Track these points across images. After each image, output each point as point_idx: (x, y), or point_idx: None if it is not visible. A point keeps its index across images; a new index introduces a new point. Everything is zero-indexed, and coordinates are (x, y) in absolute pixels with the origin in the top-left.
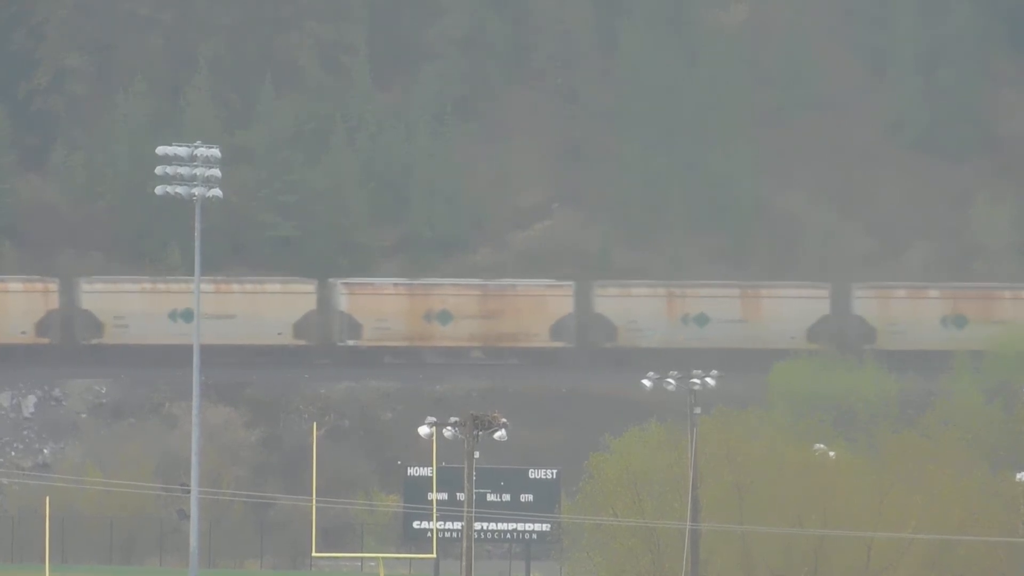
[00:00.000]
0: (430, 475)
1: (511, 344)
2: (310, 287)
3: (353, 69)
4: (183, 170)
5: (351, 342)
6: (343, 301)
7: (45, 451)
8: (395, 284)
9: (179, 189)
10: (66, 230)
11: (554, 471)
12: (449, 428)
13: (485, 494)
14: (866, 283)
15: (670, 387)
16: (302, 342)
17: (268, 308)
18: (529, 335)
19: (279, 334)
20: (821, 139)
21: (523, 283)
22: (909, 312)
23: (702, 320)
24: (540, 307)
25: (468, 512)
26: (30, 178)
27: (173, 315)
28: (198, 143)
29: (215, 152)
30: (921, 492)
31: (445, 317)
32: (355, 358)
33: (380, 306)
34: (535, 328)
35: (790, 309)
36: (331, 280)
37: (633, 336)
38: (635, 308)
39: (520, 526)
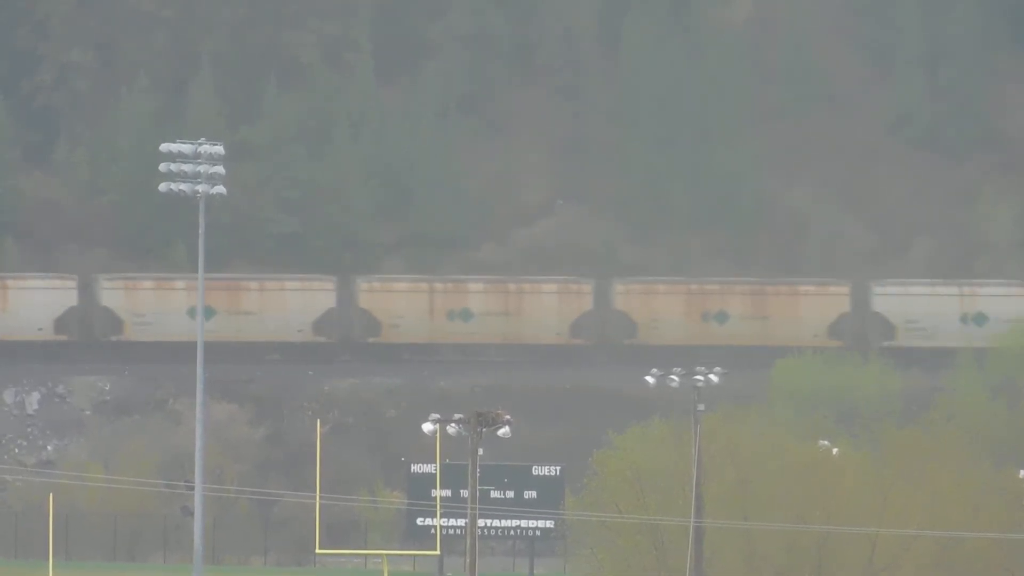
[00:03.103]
0: (434, 472)
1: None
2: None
3: (357, 66)
4: (186, 167)
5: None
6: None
7: (49, 448)
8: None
9: (183, 186)
10: (70, 227)
11: (558, 468)
12: (453, 425)
13: (489, 491)
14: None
15: (674, 384)
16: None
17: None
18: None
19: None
20: (825, 136)
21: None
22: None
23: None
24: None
25: (472, 509)
26: (34, 174)
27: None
28: (202, 140)
29: (219, 149)
30: (925, 489)
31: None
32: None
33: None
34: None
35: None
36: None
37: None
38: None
39: (524, 523)
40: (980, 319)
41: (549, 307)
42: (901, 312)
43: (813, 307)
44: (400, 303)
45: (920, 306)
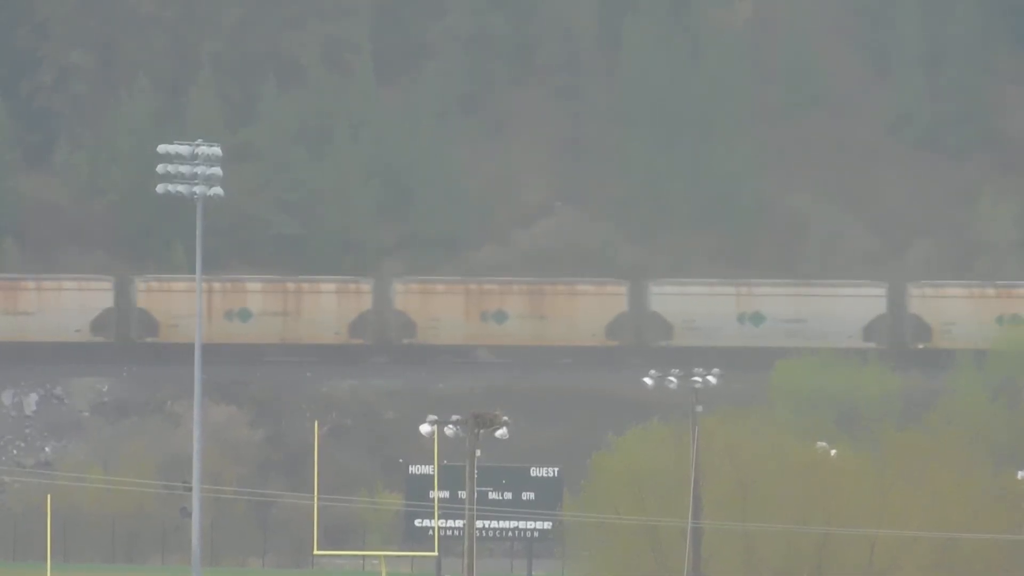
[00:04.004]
0: (432, 473)
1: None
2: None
3: (356, 67)
4: (184, 168)
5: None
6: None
7: (47, 449)
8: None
9: (180, 187)
10: (69, 228)
11: (556, 469)
12: (451, 426)
13: (487, 492)
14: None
15: (672, 385)
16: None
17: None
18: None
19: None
20: (825, 137)
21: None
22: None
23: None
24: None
25: (470, 510)
26: (33, 176)
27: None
28: (199, 141)
29: (216, 150)
30: (924, 490)
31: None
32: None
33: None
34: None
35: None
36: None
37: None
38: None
39: (522, 524)
40: (757, 319)
41: (328, 307)
42: (679, 312)
43: (590, 307)
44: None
45: (697, 306)
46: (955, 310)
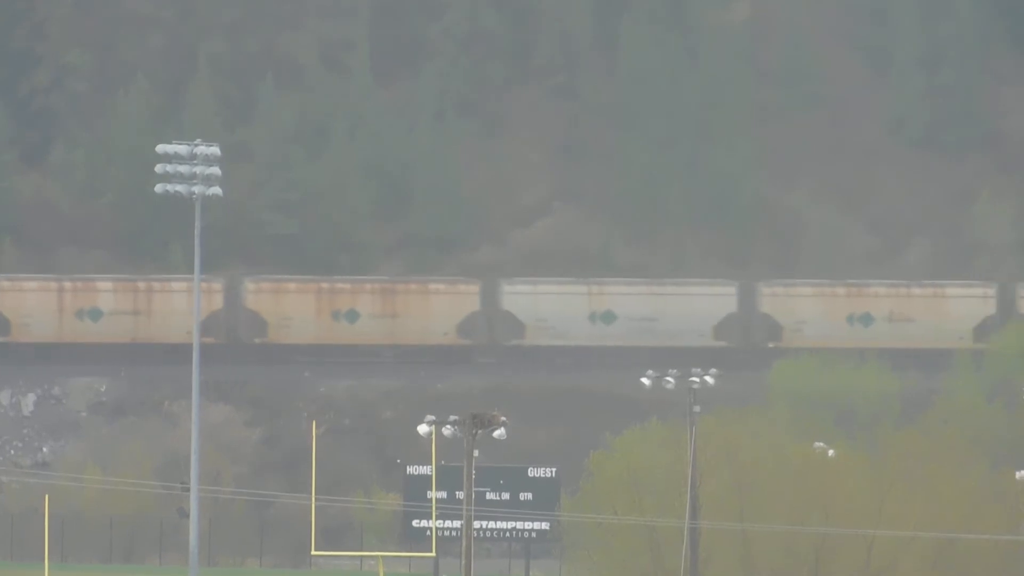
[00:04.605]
0: (430, 474)
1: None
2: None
3: (354, 67)
4: (183, 168)
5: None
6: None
7: (44, 449)
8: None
9: (179, 187)
10: (67, 228)
11: (553, 469)
12: (449, 426)
13: (485, 492)
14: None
15: (669, 386)
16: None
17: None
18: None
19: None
20: (822, 137)
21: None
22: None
23: (609, 318)
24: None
25: (468, 510)
26: (31, 176)
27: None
28: (198, 141)
29: (215, 150)
30: (922, 490)
31: (609, 317)
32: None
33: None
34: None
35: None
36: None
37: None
38: (545, 305)
39: (520, 524)
40: (608, 317)
41: (179, 307)
42: (531, 311)
43: (443, 305)
44: (546, 305)
45: (549, 305)
46: (805, 309)
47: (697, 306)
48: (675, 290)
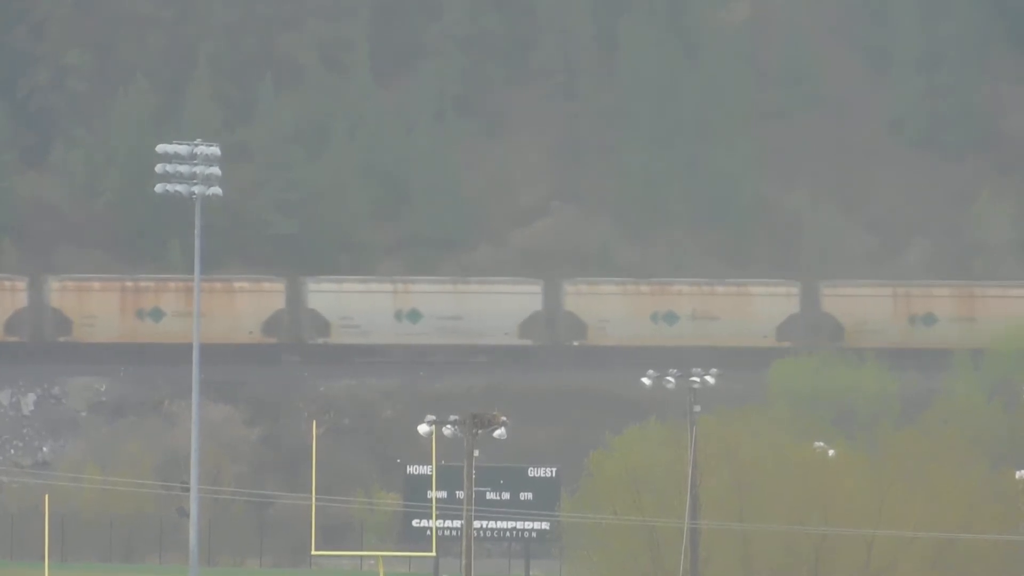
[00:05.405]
0: (430, 473)
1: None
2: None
3: (353, 67)
4: (183, 168)
5: (576, 342)
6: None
7: (44, 449)
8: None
9: (179, 187)
10: (66, 228)
11: (553, 469)
12: (449, 426)
13: (485, 492)
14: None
15: (670, 385)
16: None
17: (495, 308)
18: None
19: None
20: (822, 137)
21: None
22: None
23: (415, 316)
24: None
25: (468, 510)
26: (30, 176)
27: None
28: (197, 141)
29: (215, 150)
30: (922, 490)
31: (415, 315)
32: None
33: (350, 304)
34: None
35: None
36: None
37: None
38: (350, 303)
39: (520, 524)
40: (414, 316)
41: (754, 308)
42: (336, 309)
43: (248, 304)
44: (605, 305)
45: (354, 303)
46: (609, 307)
47: (502, 305)
48: (481, 288)
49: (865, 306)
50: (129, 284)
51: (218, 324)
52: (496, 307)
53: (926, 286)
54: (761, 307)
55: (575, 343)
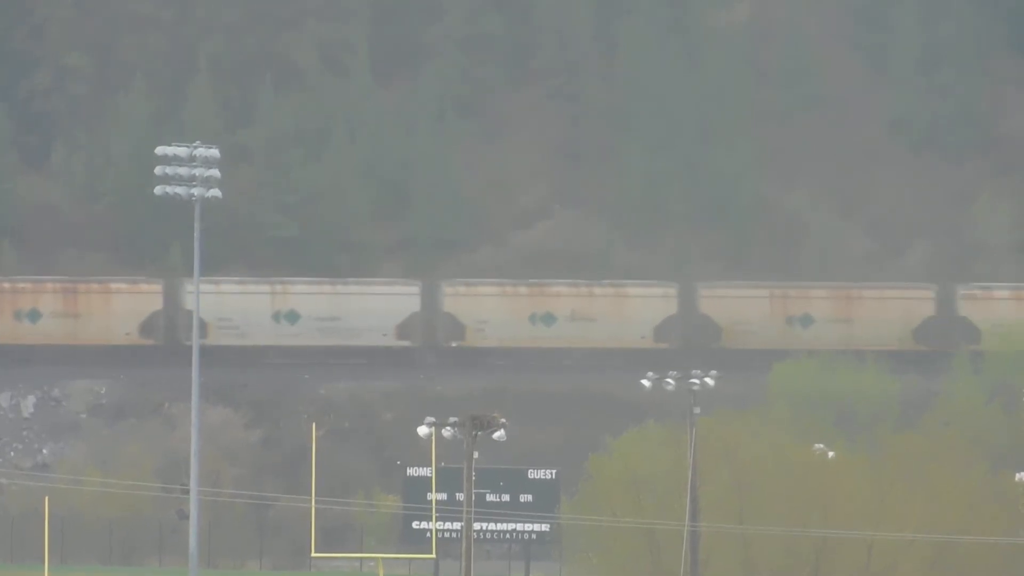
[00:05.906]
0: (429, 475)
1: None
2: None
3: (354, 68)
4: (182, 170)
5: (454, 343)
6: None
7: (44, 451)
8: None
9: (178, 189)
10: (66, 230)
11: (553, 471)
12: (448, 428)
13: (484, 494)
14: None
15: (669, 387)
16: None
17: (373, 309)
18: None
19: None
20: (822, 138)
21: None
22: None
23: (293, 317)
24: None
25: (467, 512)
26: (30, 178)
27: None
28: (197, 143)
29: (214, 152)
30: (922, 492)
31: (292, 316)
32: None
33: (228, 305)
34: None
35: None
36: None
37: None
38: (228, 304)
39: (519, 526)
40: (292, 316)
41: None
42: (214, 310)
43: (124, 305)
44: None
45: (232, 304)
46: (488, 308)
47: (380, 305)
48: (359, 289)
49: (741, 307)
50: (7, 285)
51: (95, 324)
52: (374, 308)
53: (804, 287)
54: (638, 308)
55: (453, 344)
